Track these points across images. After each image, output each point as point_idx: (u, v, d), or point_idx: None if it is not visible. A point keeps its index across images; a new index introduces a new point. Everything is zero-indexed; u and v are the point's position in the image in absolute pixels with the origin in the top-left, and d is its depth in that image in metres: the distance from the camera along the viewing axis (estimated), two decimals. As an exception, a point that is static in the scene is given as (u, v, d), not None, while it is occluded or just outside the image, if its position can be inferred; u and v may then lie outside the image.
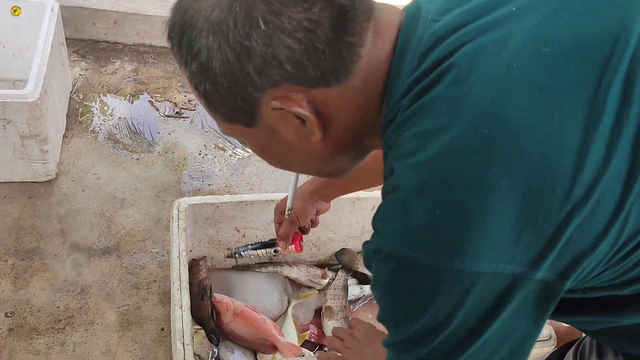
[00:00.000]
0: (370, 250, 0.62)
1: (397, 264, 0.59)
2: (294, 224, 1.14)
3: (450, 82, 0.56)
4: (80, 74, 2.26)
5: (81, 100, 2.16)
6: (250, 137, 0.69)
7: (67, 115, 2.07)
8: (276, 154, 0.72)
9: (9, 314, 1.51)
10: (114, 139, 2.06)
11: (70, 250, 1.69)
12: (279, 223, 1.18)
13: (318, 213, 1.19)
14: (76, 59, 2.32)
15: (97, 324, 1.54)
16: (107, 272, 1.66)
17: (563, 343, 1.03)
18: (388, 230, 0.60)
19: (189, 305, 1.17)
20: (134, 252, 1.73)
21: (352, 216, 1.57)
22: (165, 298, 1.63)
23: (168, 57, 2.45)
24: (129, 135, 2.09)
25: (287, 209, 1.12)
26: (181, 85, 2.34)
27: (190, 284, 1.31)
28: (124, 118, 2.14)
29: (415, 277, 0.58)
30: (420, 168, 0.57)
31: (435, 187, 0.56)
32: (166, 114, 2.21)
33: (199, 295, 1.41)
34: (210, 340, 1.40)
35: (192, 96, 2.31)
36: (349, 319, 1.30)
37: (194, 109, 2.26)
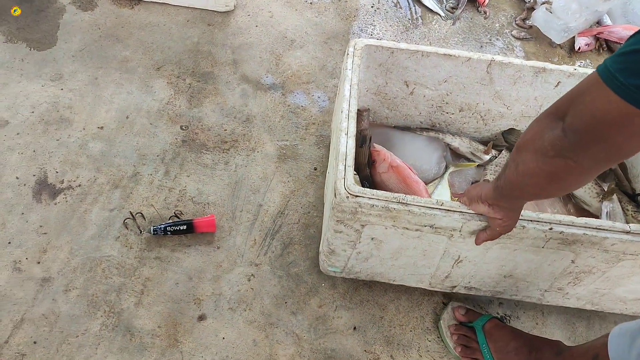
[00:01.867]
0: None
1: None
2: None
3: None
4: None
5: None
6: None
7: (249, -50, 2.06)
8: None
9: (183, 127, 1.63)
10: (291, -21, 2.03)
11: (240, 80, 1.76)
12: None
13: None
14: None
15: (258, 151, 1.62)
16: (271, 106, 1.72)
17: None
18: None
19: (354, 132, 1.17)
20: (297, 93, 1.76)
21: (532, 90, 1.44)
22: (321, 141, 1.66)
23: None
24: (305, -22, 2.05)
25: None
26: None
27: (352, 131, 1.31)
28: (302, -41, 2.10)
29: None
30: None
31: None
32: (344, -40, 2.12)
33: (359, 142, 1.41)
34: (362, 186, 1.42)
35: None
36: None
37: (372, -41, 2.15)
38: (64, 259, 1.36)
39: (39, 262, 1.35)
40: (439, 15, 2.05)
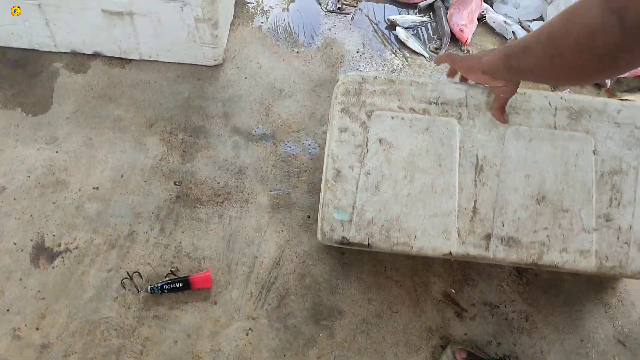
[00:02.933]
0: None
1: None
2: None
3: None
4: (249, -37, 2.29)
5: (249, -10, 2.20)
6: None
7: (235, 4, 2.13)
8: None
9: (177, 183, 1.66)
10: (277, 30, 2.09)
11: (231, 132, 1.79)
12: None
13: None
14: (247, -53, 2.34)
15: (251, 203, 1.64)
16: (263, 157, 1.75)
17: None
18: None
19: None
20: (288, 141, 1.79)
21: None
22: (313, 188, 1.69)
23: (334, -50, 2.39)
24: (290, 28, 2.11)
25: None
26: (345, -20, 2.28)
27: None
28: (287, 10, 2.16)
29: None
30: None
31: None
32: (328, 9, 2.19)
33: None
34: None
35: (355, -8, 2.25)
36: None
37: (355, 5, 2.21)
38: (62, 323, 1.37)
39: (37, 328, 1.36)
40: (423, 56, 2.09)
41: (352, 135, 1.14)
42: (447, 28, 2.16)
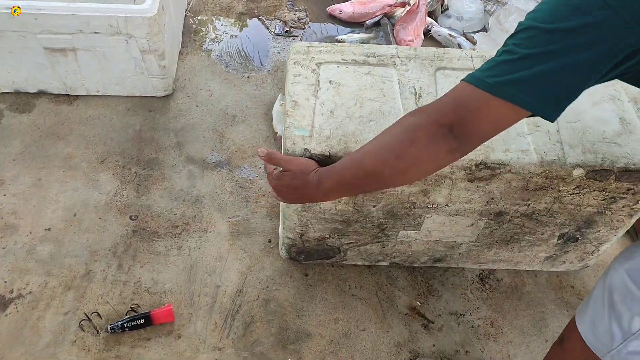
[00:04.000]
0: None
1: None
2: None
3: None
4: (194, -8, 2.29)
5: (195, 19, 2.20)
6: None
7: (182, 33, 2.12)
8: None
9: (133, 217, 1.63)
10: (226, 57, 2.09)
11: (185, 162, 1.77)
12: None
13: None
14: (191, -24, 2.35)
15: (210, 232, 1.62)
16: (219, 184, 1.73)
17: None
18: None
19: None
20: (244, 167, 1.78)
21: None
22: (273, 212, 1.68)
23: (278, -25, 2.42)
24: (240, 54, 2.11)
25: None
26: (291, 4, 2.31)
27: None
28: (236, 36, 2.17)
29: None
30: None
31: None
32: (276, 32, 2.20)
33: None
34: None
35: (301, 14, 2.28)
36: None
37: (303, 27, 2.24)
38: (19, 373, 1.32)
39: (-8, 381, 1.30)
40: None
41: (305, 78, 1.30)
42: (394, 44, 2.20)
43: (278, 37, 2.19)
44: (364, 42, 2.21)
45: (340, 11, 2.29)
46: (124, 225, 1.61)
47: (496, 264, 1.58)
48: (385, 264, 1.58)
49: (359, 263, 1.57)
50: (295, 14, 2.27)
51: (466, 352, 1.46)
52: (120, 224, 1.61)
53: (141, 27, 1.65)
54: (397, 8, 2.31)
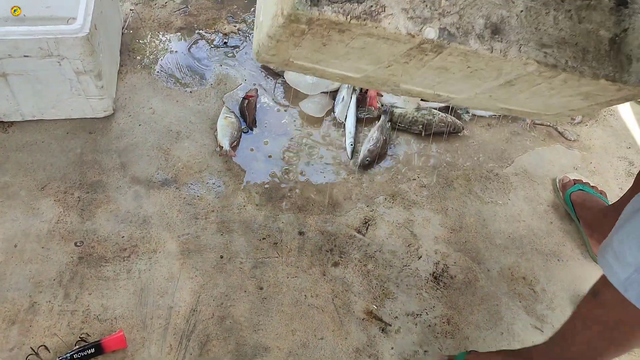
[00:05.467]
0: None
1: None
2: None
3: None
4: (130, 9, 2.25)
5: (133, 36, 2.16)
6: None
7: (120, 52, 2.08)
8: None
9: (78, 244, 1.58)
10: (167, 73, 2.06)
11: (130, 183, 1.73)
12: None
13: None
14: (126, -7, 2.31)
15: (160, 252, 1.59)
16: (167, 203, 1.70)
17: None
18: None
19: None
20: (192, 184, 1.75)
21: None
22: (223, 227, 1.66)
23: (216, -13, 2.41)
24: (181, 69, 2.08)
25: None
26: (231, 16, 2.29)
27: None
28: (176, 51, 2.14)
29: None
30: None
31: None
32: (215, 44, 2.18)
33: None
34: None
35: (241, 26, 2.27)
36: None
37: (243, 38, 2.22)
38: (-38, 417, 1.26)
39: None
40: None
41: None
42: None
43: (218, 49, 2.17)
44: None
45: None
46: (69, 253, 1.56)
47: None
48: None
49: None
50: (235, 26, 2.26)
51: (425, 351, 1.47)
52: (65, 252, 1.56)
53: (73, 48, 1.60)
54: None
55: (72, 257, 1.55)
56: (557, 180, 1.86)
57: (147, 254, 1.58)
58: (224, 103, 1.98)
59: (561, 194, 1.81)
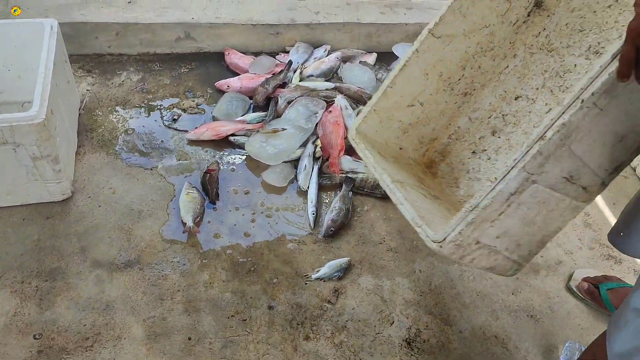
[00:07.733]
0: None
1: None
2: None
3: None
4: (87, 90, 2.26)
5: (91, 116, 2.15)
6: None
7: (77, 132, 2.06)
8: None
9: (37, 336, 1.51)
10: (127, 151, 2.05)
11: (91, 267, 1.68)
12: None
13: None
14: (82, 74, 2.31)
15: (125, 338, 1.53)
16: (130, 285, 1.65)
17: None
18: None
19: None
20: (156, 263, 1.71)
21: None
22: (190, 307, 1.61)
23: (173, 64, 2.44)
24: (140, 147, 2.07)
25: None
26: (188, 91, 2.32)
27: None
28: (134, 130, 2.13)
29: None
30: None
31: None
32: (165, 123, 2.18)
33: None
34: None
35: (199, 100, 2.29)
36: None
37: (203, 112, 2.24)
38: None
39: None
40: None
41: None
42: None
43: (169, 128, 2.16)
44: (262, 119, 2.22)
45: (228, 86, 2.31)
46: (28, 347, 1.48)
47: None
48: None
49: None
50: (193, 101, 2.28)
51: None
52: (23, 346, 1.48)
53: (29, 135, 1.58)
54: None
55: (30, 352, 1.47)
56: (575, 287, 1.81)
57: (112, 341, 1.52)
58: (185, 178, 1.97)
59: (585, 295, 1.78)
